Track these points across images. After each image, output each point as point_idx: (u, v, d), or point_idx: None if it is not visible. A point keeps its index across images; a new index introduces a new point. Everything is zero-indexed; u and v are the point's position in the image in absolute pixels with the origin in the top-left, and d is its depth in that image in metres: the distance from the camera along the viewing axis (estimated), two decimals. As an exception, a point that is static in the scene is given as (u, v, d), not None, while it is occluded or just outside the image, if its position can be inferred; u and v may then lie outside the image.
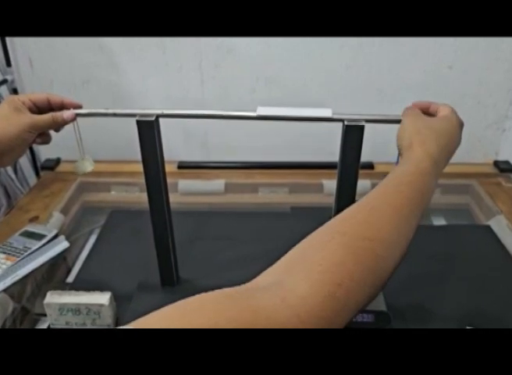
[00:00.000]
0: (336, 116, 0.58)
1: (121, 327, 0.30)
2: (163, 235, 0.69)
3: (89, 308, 0.66)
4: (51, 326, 0.68)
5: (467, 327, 0.67)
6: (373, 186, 1.00)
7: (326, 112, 0.59)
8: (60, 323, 0.67)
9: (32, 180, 1.17)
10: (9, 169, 1.12)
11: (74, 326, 0.67)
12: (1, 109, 0.59)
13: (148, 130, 0.60)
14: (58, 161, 1.13)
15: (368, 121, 0.58)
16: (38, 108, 0.62)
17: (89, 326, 0.67)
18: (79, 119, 0.64)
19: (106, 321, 0.67)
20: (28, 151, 1.16)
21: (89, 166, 0.65)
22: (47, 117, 0.61)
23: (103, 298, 0.66)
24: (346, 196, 0.63)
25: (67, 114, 0.61)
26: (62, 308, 0.66)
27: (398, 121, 0.58)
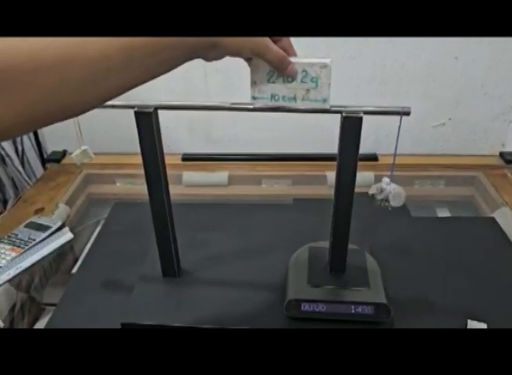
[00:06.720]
0: (333, 108, 0.57)
1: None
2: (163, 226, 0.69)
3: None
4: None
5: (469, 320, 0.67)
6: (377, 178, 1.01)
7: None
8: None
9: (39, 172, 1.18)
10: (17, 161, 1.14)
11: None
12: None
13: (147, 122, 0.61)
14: (64, 153, 1.14)
15: (366, 113, 0.57)
16: None
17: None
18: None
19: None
20: (35, 144, 1.17)
21: (82, 158, 0.66)
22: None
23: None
24: (345, 188, 0.62)
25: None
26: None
27: (397, 113, 0.57)
